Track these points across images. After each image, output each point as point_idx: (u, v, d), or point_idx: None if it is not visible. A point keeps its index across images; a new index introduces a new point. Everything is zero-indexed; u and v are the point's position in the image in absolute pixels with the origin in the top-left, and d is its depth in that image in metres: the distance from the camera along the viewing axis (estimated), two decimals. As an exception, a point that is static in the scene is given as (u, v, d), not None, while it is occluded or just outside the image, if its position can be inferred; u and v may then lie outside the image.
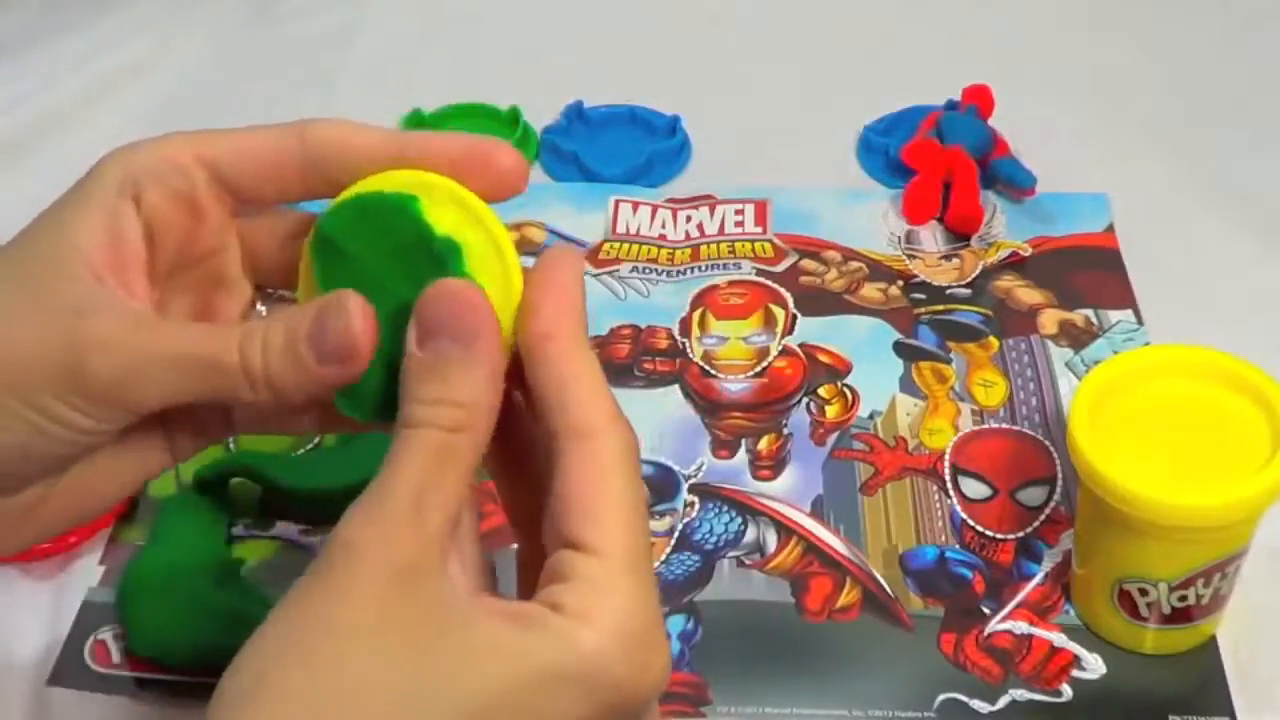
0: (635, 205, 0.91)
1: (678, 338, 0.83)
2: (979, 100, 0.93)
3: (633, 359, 0.82)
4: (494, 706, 0.37)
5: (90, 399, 0.43)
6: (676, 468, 0.76)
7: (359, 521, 0.39)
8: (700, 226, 0.90)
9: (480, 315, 0.41)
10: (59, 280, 0.43)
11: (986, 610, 0.69)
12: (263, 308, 0.49)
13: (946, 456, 0.76)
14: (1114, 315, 0.84)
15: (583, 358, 0.42)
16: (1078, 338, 0.82)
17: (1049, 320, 0.84)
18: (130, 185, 0.44)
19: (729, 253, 0.88)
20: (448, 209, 0.43)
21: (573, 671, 0.38)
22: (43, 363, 0.42)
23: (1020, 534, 0.72)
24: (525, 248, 0.89)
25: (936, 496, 0.74)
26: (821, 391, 0.80)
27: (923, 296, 0.85)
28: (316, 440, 0.77)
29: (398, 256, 0.43)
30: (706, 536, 0.73)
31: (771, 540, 0.73)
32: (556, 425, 0.41)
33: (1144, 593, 0.65)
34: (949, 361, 0.81)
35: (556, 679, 0.38)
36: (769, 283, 0.86)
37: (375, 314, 0.42)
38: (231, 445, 0.77)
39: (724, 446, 0.77)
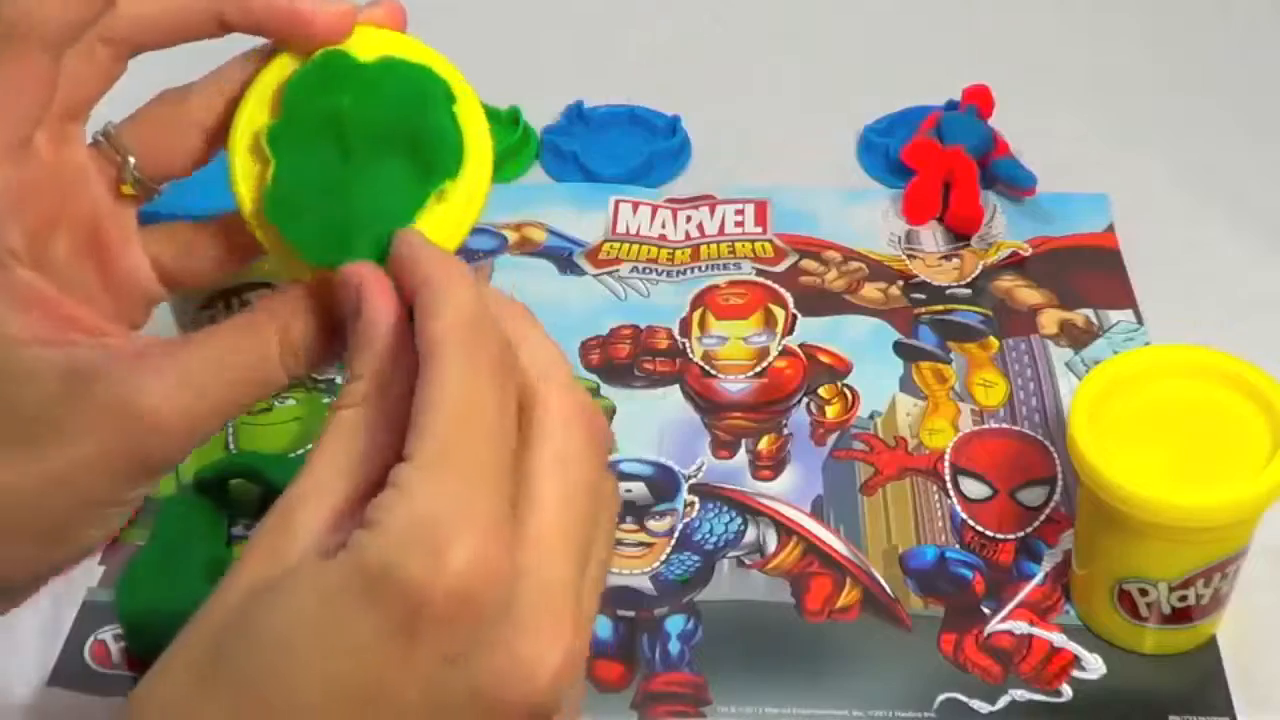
0: (635, 205, 0.91)
1: (678, 338, 0.83)
2: (979, 100, 0.93)
3: (633, 359, 0.82)
4: (289, 643, 0.36)
5: (157, 469, 0.43)
6: (676, 468, 0.76)
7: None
8: (700, 226, 0.90)
9: (359, 291, 0.41)
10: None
11: (986, 610, 0.69)
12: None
13: (946, 456, 0.76)
14: (1114, 315, 0.84)
15: (433, 286, 0.40)
16: (1078, 338, 0.82)
17: (1049, 320, 0.84)
18: None
19: (729, 253, 0.88)
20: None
21: (355, 582, 0.35)
22: (107, 470, 0.42)
23: (1020, 534, 0.72)
24: (526, 248, 0.89)
25: (936, 496, 0.74)
26: (821, 391, 0.80)
27: (923, 296, 0.85)
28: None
29: (392, 132, 0.43)
30: (706, 537, 0.73)
31: (771, 540, 0.73)
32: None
33: (1144, 593, 0.65)
34: (949, 361, 0.81)
35: (341, 595, 0.35)
36: (769, 283, 0.86)
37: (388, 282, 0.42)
38: (232, 446, 0.77)
39: (724, 446, 0.77)
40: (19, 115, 0.43)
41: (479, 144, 0.44)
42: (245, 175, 0.44)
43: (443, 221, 0.43)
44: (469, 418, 0.37)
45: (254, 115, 0.44)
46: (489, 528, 0.36)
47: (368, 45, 0.44)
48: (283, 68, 0.44)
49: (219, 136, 0.45)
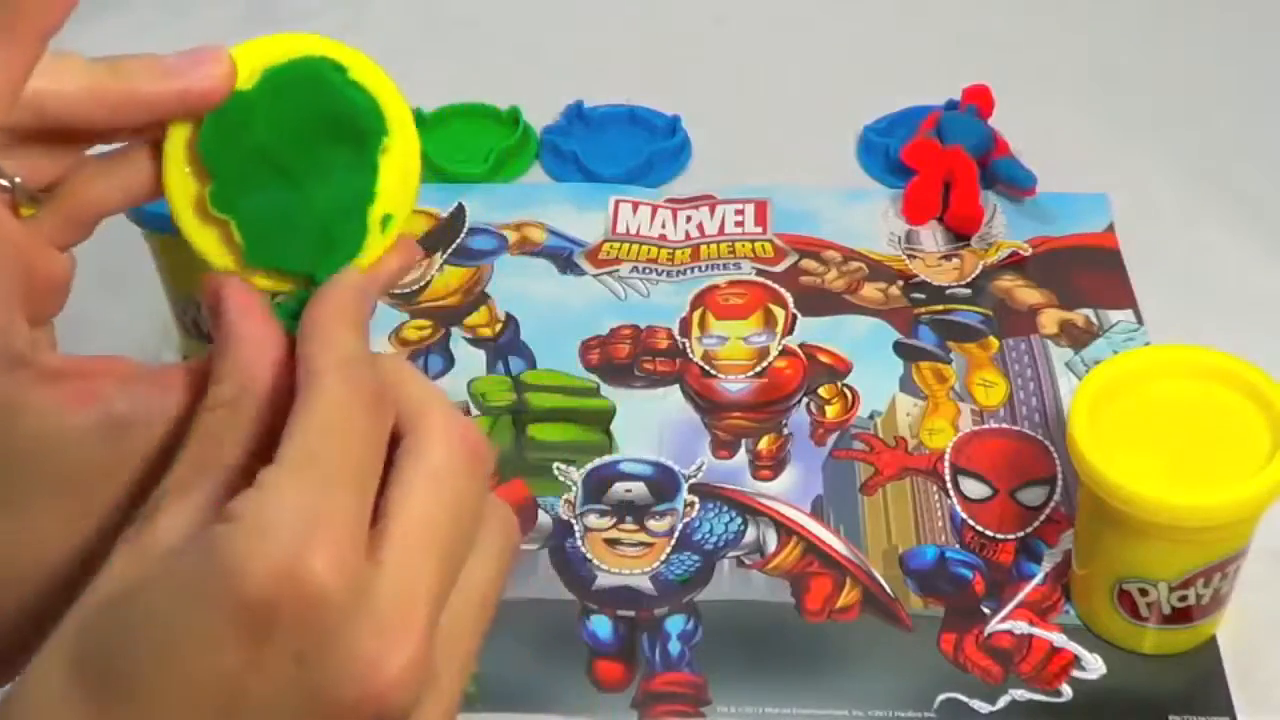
0: (635, 205, 0.91)
1: (678, 338, 0.83)
2: (979, 100, 0.93)
3: (633, 359, 0.82)
4: (150, 641, 0.35)
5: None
6: (676, 468, 0.76)
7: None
8: (700, 226, 0.90)
9: (226, 302, 0.41)
10: None
11: (986, 610, 0.69)
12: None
13: (946, 456, 0.76)
14: (1114, 315, 0.84)
15: (320, 323, 0.41)
16: (1078, 338, 0.82)
17: (1049, 320, 0.84)
18: None
19: (729, 253, 0.88)
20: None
21: (208, 579, 0.35)
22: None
23: (1020, 534, 0.72)
24: (526, 248, 0.89)
25: (936, 496, 0.74)
26: (821, 391, 0.80)
27: (923, 296, 0.85)
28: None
29: (313, 130, 0.43)
30: (706, 536, 0.73)
31: (771, 540, 0.73)
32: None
33: (1144, 593, 0.65)
34: (949, 361, 0.81)
35: (195, 592, 0.35)
36: (769, 283, 0.86)
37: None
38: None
39: (724, 446, 0.77)
40: None
41: (384, 91, 0.45)
42: (213, 244, 0.44)
43: (393, 168, 0.44)
44: (338, 428, 0.38)
45: (184, 188, 0.44)
46: (344, 529, 0.36)
47: (240, 69, 0.44)
48: (180, 134, 0.44)
49: (96, 139, 0.45)
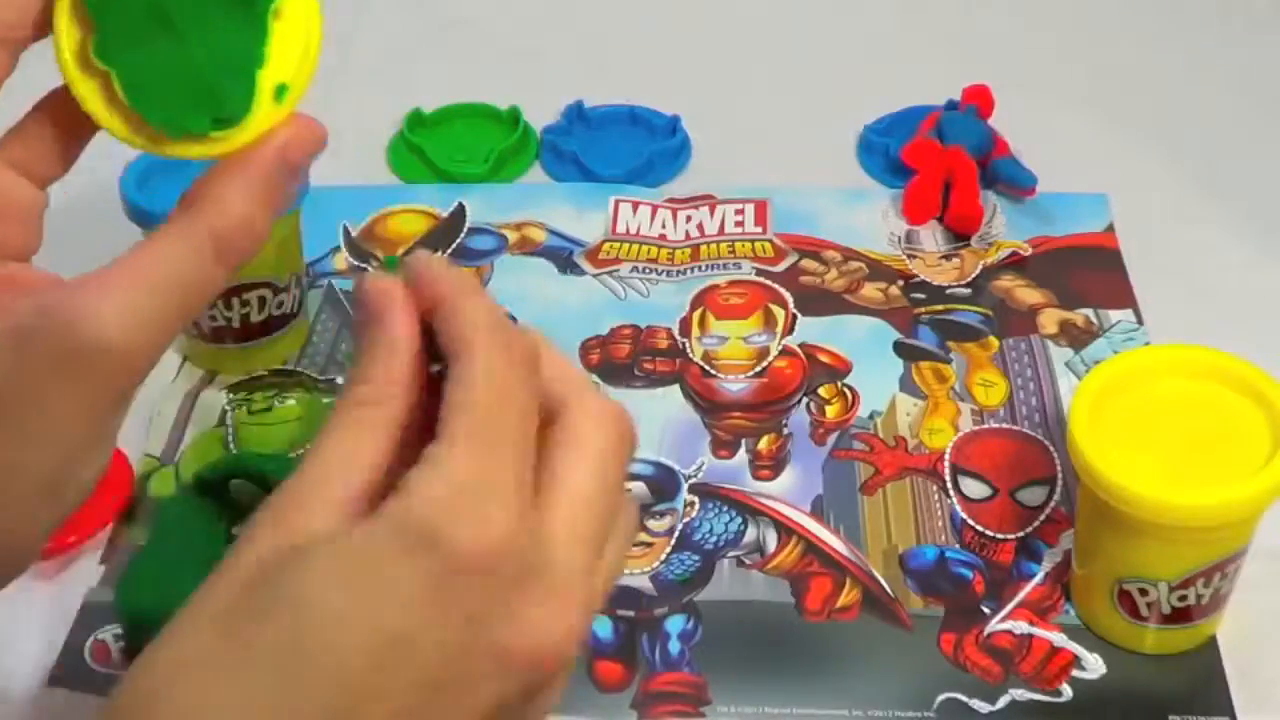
0: (635, 205, 0.91)
1: (678, 338, 0.83)
2: (979, 100, 0.93)
3: (633, 359, 0.82)
4: (325, 598, 0.37)
5: (128, 396, 0.43)
6: (676, 468, 0.76)
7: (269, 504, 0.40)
8: (700, 226, 0.90)
9: (384, 302, 0.42)
10: None
11: (986, 610, 0.69)
12: None
13: (946, 456, 0.76)
14: (1114, 315, 0.84)
15: (459, 296, 0.42)
16: (1078, 338, 0.82)
17: (1049, 320, 0.84)
18: None
19: (729, 253, 0.88)
20: None
21: (393, 545, 0.37)
22: (82, 416, 0.42)
23: (1020, 534, 0.72)
24: (526, 248, 0.89)
25: (936, 496, 0.74)
26: (821, 391, 0.80)
27: (923, 296, 0.85)
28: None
29: None
30: (706, 536, 0.73)
31: (771, 540, 0.73)
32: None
33: (1144, 593, 0.65)
34: (949, 361, 0.81)
35: (382, 552, 0.37)
36: (769, 283, 0.86)
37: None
38: (232, 445, 0.77)
39: (724, 446, 0.77)
40: None
41: None
42: (95, 97, 0.43)
43: (291, 40, 0.44)
44: (499, 402, 0.39)
45: (70, 35, 0.43)
46: (518, 503, 0.38)
47: None
48: None
49: (19, 47, 0.45)
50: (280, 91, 0.43)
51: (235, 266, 0.44)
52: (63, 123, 0.46)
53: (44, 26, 0.44)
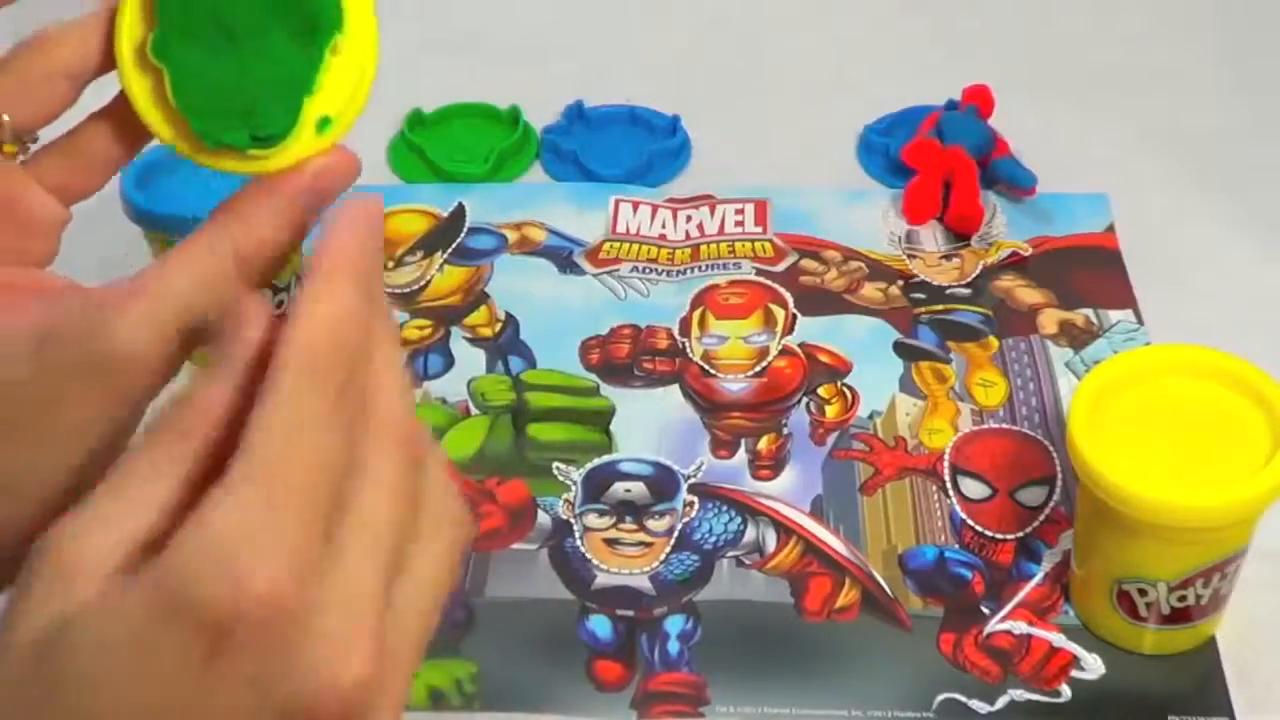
0: (635, 205, 0.91)
1: (678, 337, 0.83)
2: (979, 100, 0.93)
3: (633, 359, 0.82)
4: (93, 676, 0.35)
5: (145, 403, 0.42)
6: (676, 467, 0.76)
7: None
8: (700, 226, 0.90)
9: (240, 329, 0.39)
10: None
11: (986, 610, 0.69)
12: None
13: (946, 456, 0.76)
14: (1114, 315, 0.84)
15: (299, 305, 0.38)
16: (1078, 338, 0.82)
17: (1049, 320, 0.83)
18: None
19: (729, 252, 0.88)
20: None
21: (154, 607, 0.34)
22: (101, 419, 0.41)
23: (1020, 534, 0.72)
24: (526, 248, 0.89)
25: (936, 496, 0.74)
26: (821, 391, 0.80)
27: (923, 296, 0.85)
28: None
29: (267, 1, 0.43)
30: (706, 536, 0.73)
31: (771, 540, 0.73)
32: None
33: (1143, 593, 0.65)
34: (949, 361, 0.81)
35: (141, 621, 0.34)
36: (769, 282, 0.86)
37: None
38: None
39: (724, 446, 0.77)
40: None
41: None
42: (143, 94, 0.44)
43: (342, 78, 0.44)
44: (287, 440, 0.36)
45: (133, 32, 0.44)
46: (293, 550, 0.35)
47: None
48: None
49: (85, 78, 0.45)
50: (324, 123, 0.43)
51: (257, 284, 0.43)
52: (100, 144, 0.45)
53: (107, 63, 0.44)
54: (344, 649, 0.36)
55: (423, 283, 0.86)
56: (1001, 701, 0.66)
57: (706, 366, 0.81)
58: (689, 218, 0.90)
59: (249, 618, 0.35)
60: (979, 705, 0.66)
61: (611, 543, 0.73)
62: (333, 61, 0.43)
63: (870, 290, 0.86)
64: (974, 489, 0.75)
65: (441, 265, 0.87)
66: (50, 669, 0.35)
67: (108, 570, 0.36)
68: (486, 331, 0.84)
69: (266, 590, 0.35)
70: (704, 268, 0.87)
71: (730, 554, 0.72)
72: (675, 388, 0.80)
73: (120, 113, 0.45)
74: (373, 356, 0.39)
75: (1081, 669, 0.67)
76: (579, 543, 0.73)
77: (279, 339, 0.38)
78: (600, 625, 0.69)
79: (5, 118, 0.45)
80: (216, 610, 0.34)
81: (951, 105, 0.94)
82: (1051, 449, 0.76)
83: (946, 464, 0.76)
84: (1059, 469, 0.75)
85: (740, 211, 0.91)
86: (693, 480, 0.75)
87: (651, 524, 0.73)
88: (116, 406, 0.42)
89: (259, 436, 0.36)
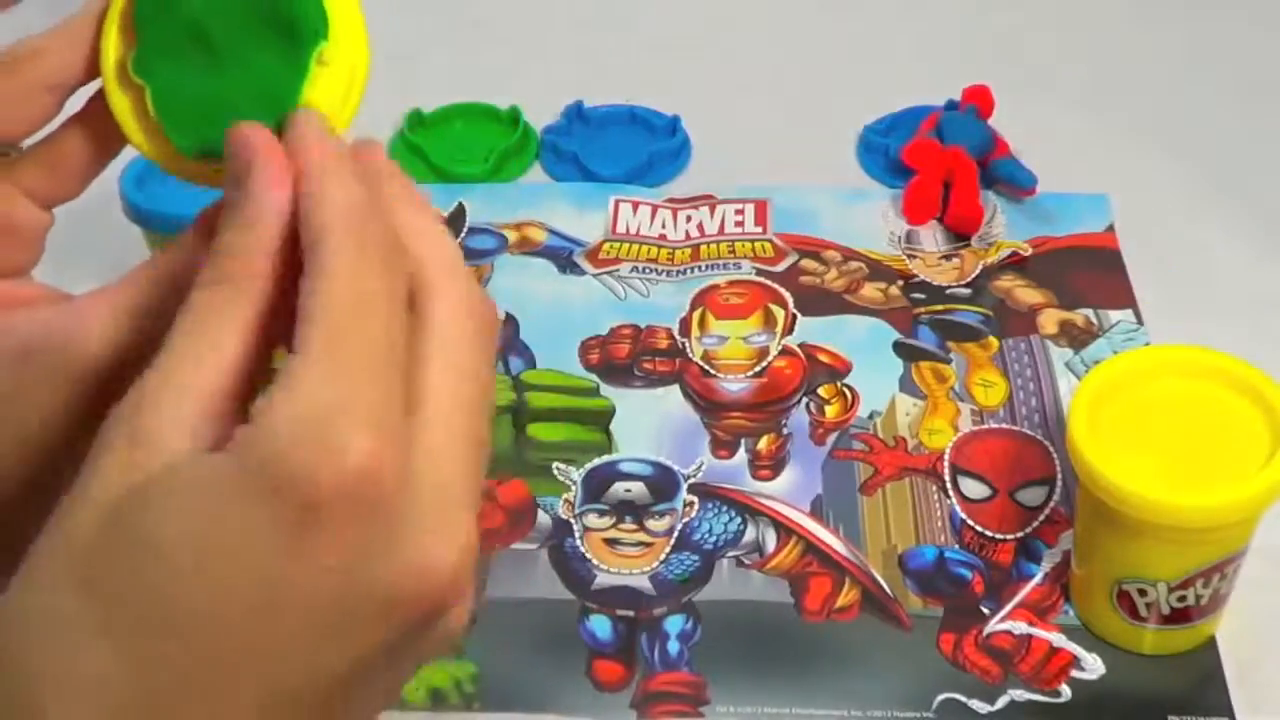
0: (635, 205, 0.91)
1: (678, 337, 0.83)
2: (979, 100, 0.93)
3: (633, 359, 0.82)
4: (175, 545, 0.33)
5: None
6: (676, 467, 0.76)
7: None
8: (700, 226, 0.90)
9: (249, 156, 0.38)
10: None
11: (985, 610, 0.69)
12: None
13: (946, 456, 0.76)
14: (1114, 315, 0.84)
15: (320, 175, 0.38)
16: (1078, 338, 0.82)
17: (1049, 320, 0.83)
18: None
19: (729, 253, 0.88)
20: None
21: (245, 479, 0.33)
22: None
23: (1020, 534, 0.72)
24: (526, 248, 0.89)
25: (936, 496, 0.74)
26: (821, 391, 0.80)
27: (923, 296, 0.85)
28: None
29: (249, 13, 0.42)
30: (706, 536, 0.73)
31: (771, 540, 0.73)
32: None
33: (1143, 593, 0.65)
34: (949, 361, 0.81)
35: (230, 493, 0.33)
36: (769, 283, 0.86)
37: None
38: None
39: (724, 446, 0.77)
40: None
41: (341, 3, 0.44)
42: (126, 110, 0.43)
43: (331, 87, 0.43)
44: (358, 309, 0.36)
45: (115, 49, 0.43)
46: (382, 424, 0.34)
47: None
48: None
49: (69, 89, 0.44)
50: None
51: None
52: (78, 150, 0.45)
53: (91, 72, 0.44)
54: (444, 535, 0.35)
55: (423, 283, 0.86)
56: (1001, 701, 0.66)
57: (706, 366, 0.81)
58: (689, 218, 0.90)
59: (343, 491, 0.33)
60: (979, 705, 0.66)
61: (611, 543, 0.73)
62: (320, 73, 0.42)
63: (870, 290, 0.86)
64: (974, 489, 0.75)
65: (441, 265, 0.87)
66: (129, 535, 0.34)
67: (185, 435, 0.35)
68: (486, 331, 0.84)
69: (360, 463, 0.34)
70: (704, 268, 0.87)
71: (730, 554, 0.72)
72: (675, 388, 0.81)
73: (96, 119, 0.44)
74: (410, 215, 0.39)
75: (1081, 669, 0.67)
76: (579, 543, 0.73)
77: (306, 198, 0.37)
78: (600, 625, 0.69)
79: None
80: (311, 483, 0.33)
81: (951, 105, 0.94)
82: (1051, 449, 0.76)
83: (946, 464, 0.76)
84: (1059, 469, 0.75)
85: (740, 211, 0.91)
86: (693, 480, 0.75)
87: (651, 524, 0.73)
88: (84, 405, 0.41)
89: (322, 306, 0.35)
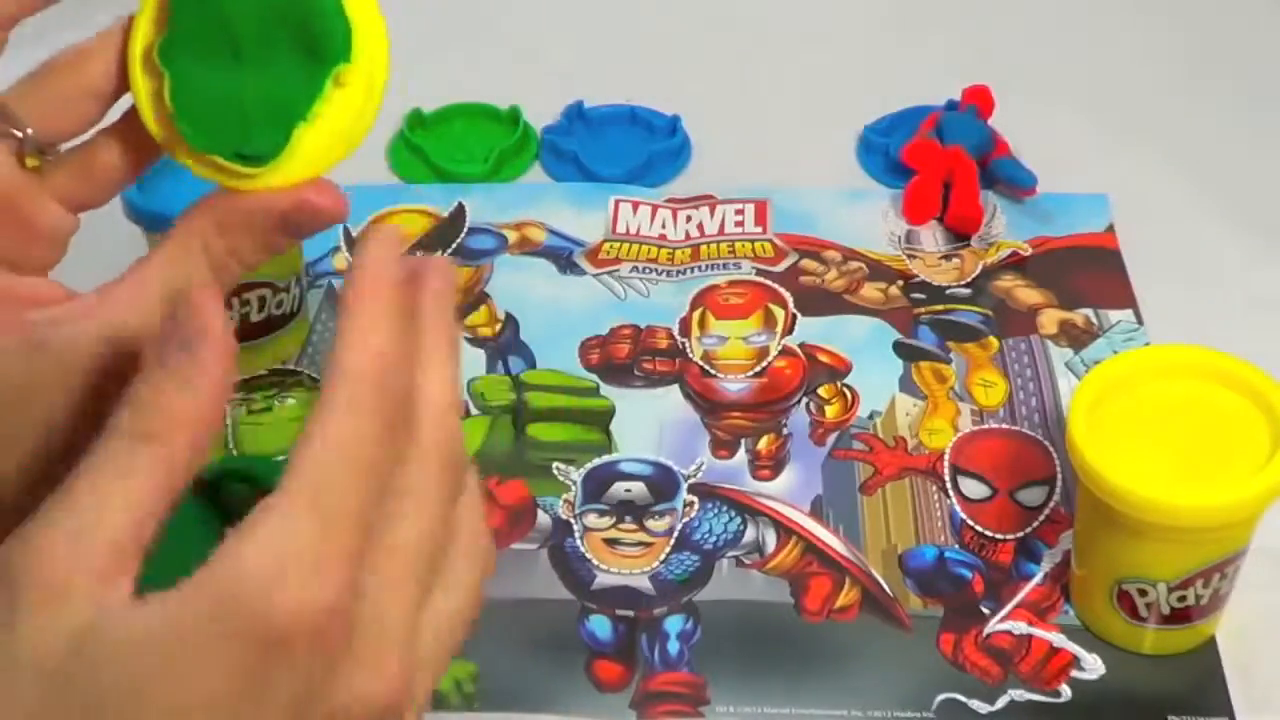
0: (635, 205, 0.91)
1: (678, 338, 0.83)
2: (979, 100, 0.93)
3: (633, 359, 0.82)
4: (136, 688, 0.34)
5: None
6: (676, 467, 0.76)
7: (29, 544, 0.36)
8: (700, 226, 0.90)
9: (199, 324, 0.37)
10: None
11: (986, 610, 0.69)
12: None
13: (946, 456, 0.76)
14: (1114, 315, 0.84)
15: (353, 320, 0.38)
16: (1078, 338, 0.82)
17: (1049, 320, 0.83)
18: None
19: (729, 253, 0.88)
20: None
21: (216, 617, 0.34)
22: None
23: (1020, 534, 0.72)
24: (526, 248, 0.89)
25: (936, 496, 0.74)
26: (821, 391, 0.80)
27: (923, 296, 0.85)
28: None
29: (277, 21, 0.43)
30: (706, 536, 0.73)
31: (771, 540, 0.73)
32: None
33: (1143, 593, 0.65)
34: (949, 361, 0.81)
35: (196, 630, 0.34)
36: (769, 283, 0.86)
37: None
38: (232, 447, 0.77)
39: (724, 446, 0.77)
40: None
41: (369, 25, 0.44)
42: (145, 94, 0.44)
43: (344, 108, 0.43)
44: (346, 462, 0.36)
45: (146, 34, 0.44)
46: (346, 568, 0.35)
47: None
48: None
49: (112, 97, 0.45)
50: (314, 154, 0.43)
51: (226, 289, 0.43)
52: (113, 160, 0.46)
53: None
54: (379, 670, 0.37)
55: (423, 283, 0.86)
56: (1001, 702, 0.66)
57: (706, 366, 0.81)
58: (689, 218, 0.90)
59: (310, 631, 0.34)
60: (979, 705, 0.66)
61: (611, 543, 0.73)
62: (334, 93, 0.43)
63: (870, 290, 0.86)
64: (974, 489, 0.75)
65: (441, 265, 0.87)
66: (87, 682, 0.34)
67: (99, 577, 0.36)
68: (486, 331, 0.84)
69: (330, 604, 0.35)
70: (704, 268, 0.87)
71: (730, 554, 0.72)
72: (675, 388, 0.81)
73: (133, 131, 0.45)
74: (427, 374, 0.39)
75: (1081, 669, 0.67)
76: (579, 543, 0.73)
77: (329, 363, 0.38)
78: (600, 625, 0.69)
79: (30, 132, 0.45)
80: (282, 620, 0.34)
81: (951, 105, 0.94)
82: (1051, 449, 0.76)
83: (946, 464, 0.76)
84: (1059, 469, 0.75)
85: (740, 212, 0.91)
86: (693, 480, 0.75)
87: (651, 524, 0.73)
88: (88, 399, 0.42)
89: (310, 455, 0.36)
